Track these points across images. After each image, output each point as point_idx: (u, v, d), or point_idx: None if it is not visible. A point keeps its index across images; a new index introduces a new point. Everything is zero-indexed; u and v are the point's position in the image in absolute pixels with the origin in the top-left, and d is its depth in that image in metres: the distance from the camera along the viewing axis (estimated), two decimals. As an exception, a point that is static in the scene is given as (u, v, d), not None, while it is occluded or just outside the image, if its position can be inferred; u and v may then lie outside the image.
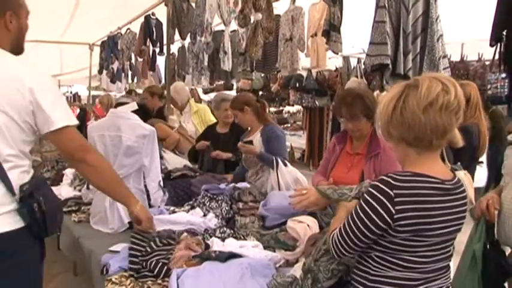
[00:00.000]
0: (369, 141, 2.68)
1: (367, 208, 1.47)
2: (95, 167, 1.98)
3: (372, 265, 1.54)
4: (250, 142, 3.49)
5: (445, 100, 1.44)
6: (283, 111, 15.20)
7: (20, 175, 1.77)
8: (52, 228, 1.86)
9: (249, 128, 3.75)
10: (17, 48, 1.91)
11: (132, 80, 8.26)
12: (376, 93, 5.98)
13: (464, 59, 6.70)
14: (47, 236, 1.87)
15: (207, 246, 2.30)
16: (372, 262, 1.54)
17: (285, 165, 3.30)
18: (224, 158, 4.00)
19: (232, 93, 8.13)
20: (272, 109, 13.01)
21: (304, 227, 2.31)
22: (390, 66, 3.07)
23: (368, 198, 1.48)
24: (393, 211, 1.42)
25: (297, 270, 1.94)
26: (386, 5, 3.06)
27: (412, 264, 1.49)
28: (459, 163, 3.04)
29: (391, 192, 1.43)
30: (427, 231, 1.46)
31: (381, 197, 1.44)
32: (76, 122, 1.89)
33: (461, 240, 2.07)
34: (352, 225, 1.51)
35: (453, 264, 2.10)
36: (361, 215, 1.49)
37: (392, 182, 1.45)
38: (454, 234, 1.57)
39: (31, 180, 1.82)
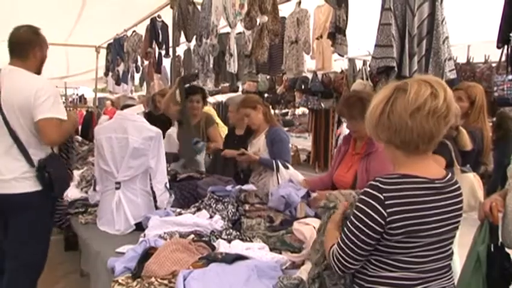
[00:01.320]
0: (368, 141, 2.74)
1: (361, 215, 1.48)
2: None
3: (369, 267, 1.55)
4: (243, 154, 3.58)
5: (433, 105, 1.44)
6: (289, 113, 15.24)
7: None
8: (59, 191, 2.85)
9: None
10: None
11: (140, 84, 8.27)
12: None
13: (471, 61, 6.67)
14: (55, 196, 2.82)
15: (213, 248, 2.31)
16: (369, 264, 1.55)
17: (286, 167, 3.32)
18: (233, 154, 3.74)
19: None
20: (277, 111, 13.02)
21: (310, 229, 2.30)
22: (396, 68, 3.07)
23: (360, 205, 1.49)
24: (385, 214, 1.43)
25: (303, 272, 1.95)
26: (392, 7, 3.06)
27: (408, 264, 1.50)
28: (468, 165, 3.05)
29: (381, 196, 1.44)
30: (420, 232, 1.47)
31: (372, 202, 1.46)
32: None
33: (465, 242, 2.07)
34: (350, 235, 1.51)
35: (459, 266, 2.11)
36: (357, 223, 1.49)
37: (380, 185, 1.46)
38: (450, 233, 1.56)
39: (47, 157, 2.68)
